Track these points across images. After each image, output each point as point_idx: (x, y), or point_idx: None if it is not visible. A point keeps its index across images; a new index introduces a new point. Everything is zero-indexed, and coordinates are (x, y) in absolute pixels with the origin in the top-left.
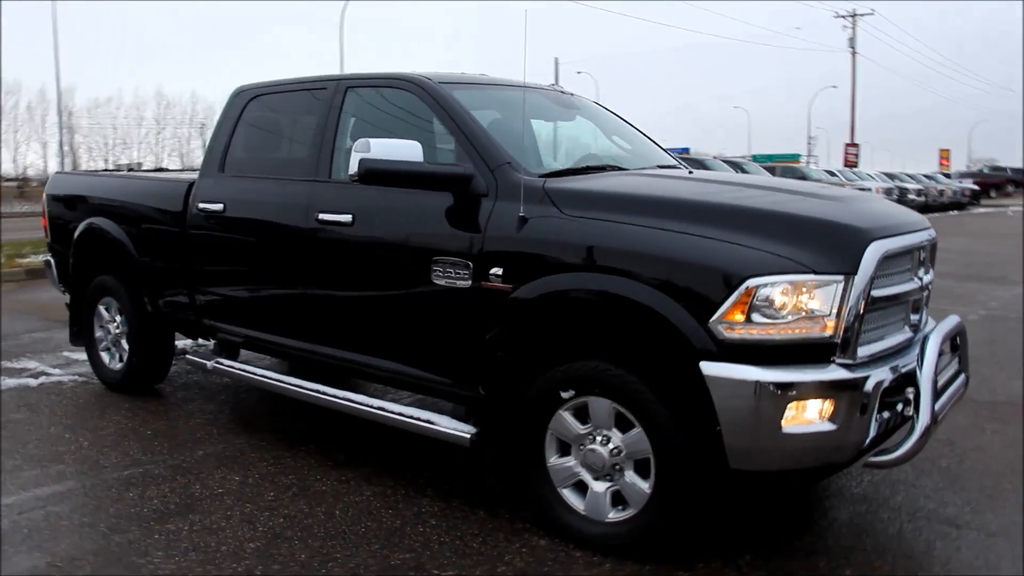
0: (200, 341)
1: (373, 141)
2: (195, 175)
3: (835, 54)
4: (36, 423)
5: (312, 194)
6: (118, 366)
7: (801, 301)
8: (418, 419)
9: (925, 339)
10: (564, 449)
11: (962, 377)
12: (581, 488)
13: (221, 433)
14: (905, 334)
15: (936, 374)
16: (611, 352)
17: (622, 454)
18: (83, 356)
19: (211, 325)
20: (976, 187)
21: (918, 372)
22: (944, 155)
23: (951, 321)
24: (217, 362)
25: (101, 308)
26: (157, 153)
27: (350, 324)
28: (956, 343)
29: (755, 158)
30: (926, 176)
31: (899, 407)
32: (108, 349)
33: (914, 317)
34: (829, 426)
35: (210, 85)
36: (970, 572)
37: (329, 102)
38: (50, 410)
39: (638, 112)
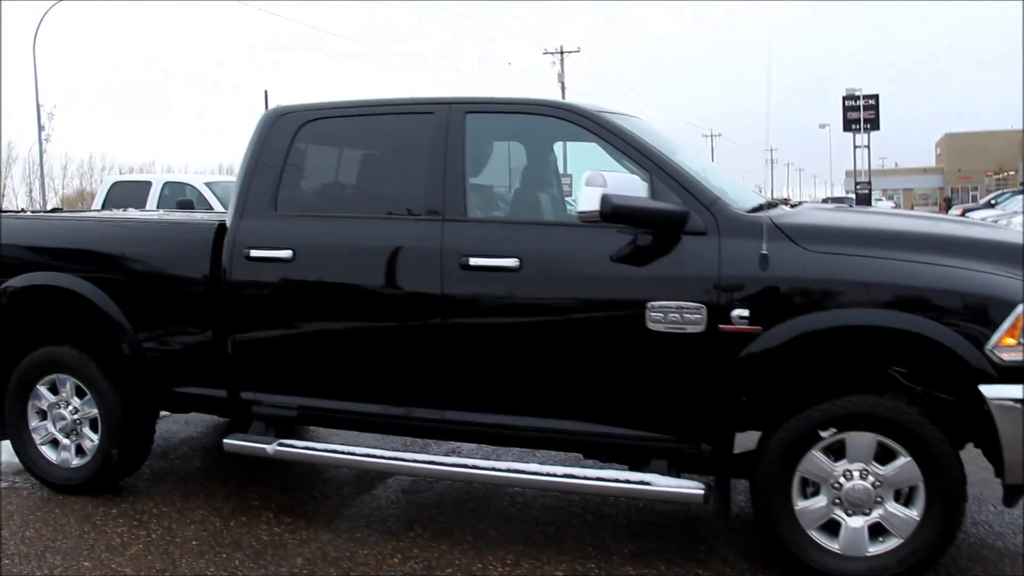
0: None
1: (607, 175)
2: (199, 216)
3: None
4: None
5: (448, 235)
6: (77, 461)
7: None
8: (630, 482)
9: None
10: (805, 490)
11: None
12: (828, 527)
13: (266, 523)
14: None
15: None
16: (872, 386)
17: (882, 486)
18: None
19: (251, 399)
20: None
21: None
22: None
23: None
24: (281, 444)
25: (43, 389)
26: None
27: (518, 383)
28: None
29: None
30: None
31: None
32: (54, 441)
33: None
34: None
35: None
36: (1003, 532)
37: (444, 129)
38: (9, 531)
39: None
